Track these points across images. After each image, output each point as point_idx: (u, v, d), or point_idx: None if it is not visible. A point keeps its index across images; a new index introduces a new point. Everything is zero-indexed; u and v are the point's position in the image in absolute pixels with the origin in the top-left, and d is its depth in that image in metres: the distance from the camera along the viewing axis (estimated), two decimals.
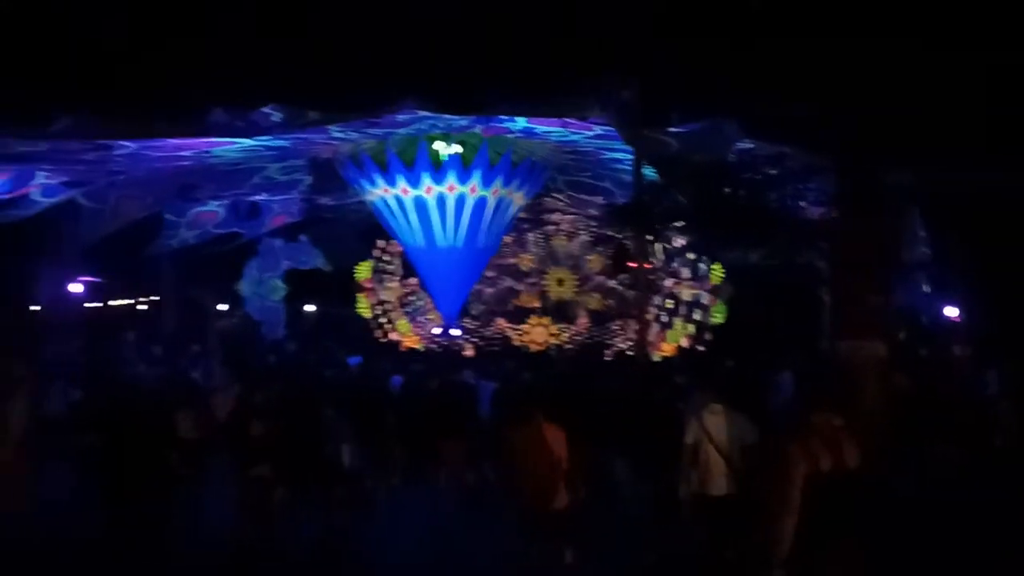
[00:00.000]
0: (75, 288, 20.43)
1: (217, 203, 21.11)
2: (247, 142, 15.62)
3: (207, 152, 16.26)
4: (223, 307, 27.65)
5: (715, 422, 7.26)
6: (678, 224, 13.12)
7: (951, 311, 18.45)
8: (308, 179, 19.85)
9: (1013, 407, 10.47)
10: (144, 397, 10.15)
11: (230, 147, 16.03)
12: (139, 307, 31.77)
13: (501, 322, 24.48)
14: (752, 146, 12.28)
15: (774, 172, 10.91)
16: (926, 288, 17.45)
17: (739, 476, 7.18)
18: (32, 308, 21.28)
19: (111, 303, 30.24)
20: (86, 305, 23.43)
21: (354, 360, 15.54)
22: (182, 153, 16.04)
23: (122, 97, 12.75)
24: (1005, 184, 11.93)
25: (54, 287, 20.39)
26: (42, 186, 16.90)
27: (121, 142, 14.59)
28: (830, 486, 5.16)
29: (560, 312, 24.54)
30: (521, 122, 14.91)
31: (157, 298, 27.78)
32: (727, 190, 10.82)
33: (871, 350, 9.16)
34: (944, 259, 16.08)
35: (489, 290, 24.79)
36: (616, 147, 15.41)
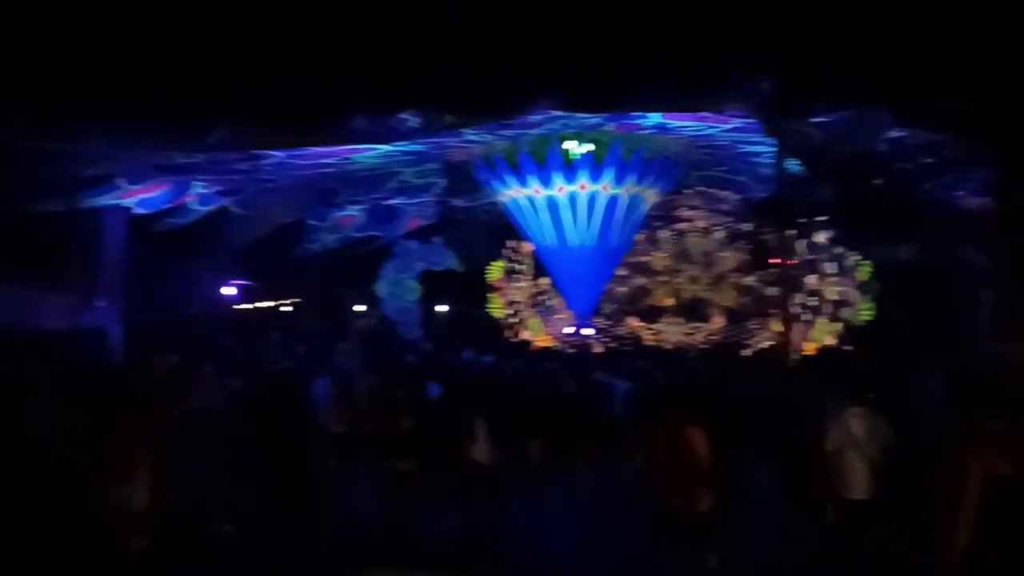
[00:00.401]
0: (228, 291, 21.63)
1: (356, 208, 21.90)
2: (385, 148, 16.10)
3: (348, 159, 16.87)
4: (361, 308, 28.64)
5: (857, 425, 6.96)
6: (822, 218, 12.61)
7: None
8: (442, 182, 20.27)
9: None
10: (292, 391, 10.61)
11: (369, 153, 16.56)
12: (282, 308, 33.32)
13: (633, 321, 24.21)
14: (904, 134, 11.60)
15: (929, 161, 10.29)
16: None
17: (881, 480, 6.88)
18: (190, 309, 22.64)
19: (258, 304, 31.81)
20: (236, 307, 24.76)
21: (486, 360, 15.75)
22: (325, 160, 16.70)
23: (271, 109, 13.38)
24: None
25: (210, 290, 21.69)
26: (199, 196, 18.03)
27: (271, 152, 15.35)
28: (1009, 495, 4.79)
29: (693, 310, 24.03)
30: (655, 118, 14.69)
31: (299, 299, 29.06)
32: (876, 181, 10.29)
33: None
34: None
35: (621, 289, 24.57)
36: (754, 140, 14.95)
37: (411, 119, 13.38)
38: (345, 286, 28.36)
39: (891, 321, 19.64)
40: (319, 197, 20.14)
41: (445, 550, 8.26)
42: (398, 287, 25.35)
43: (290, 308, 32.45)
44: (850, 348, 20.20)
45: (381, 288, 25.37)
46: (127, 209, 17.43)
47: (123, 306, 16.74)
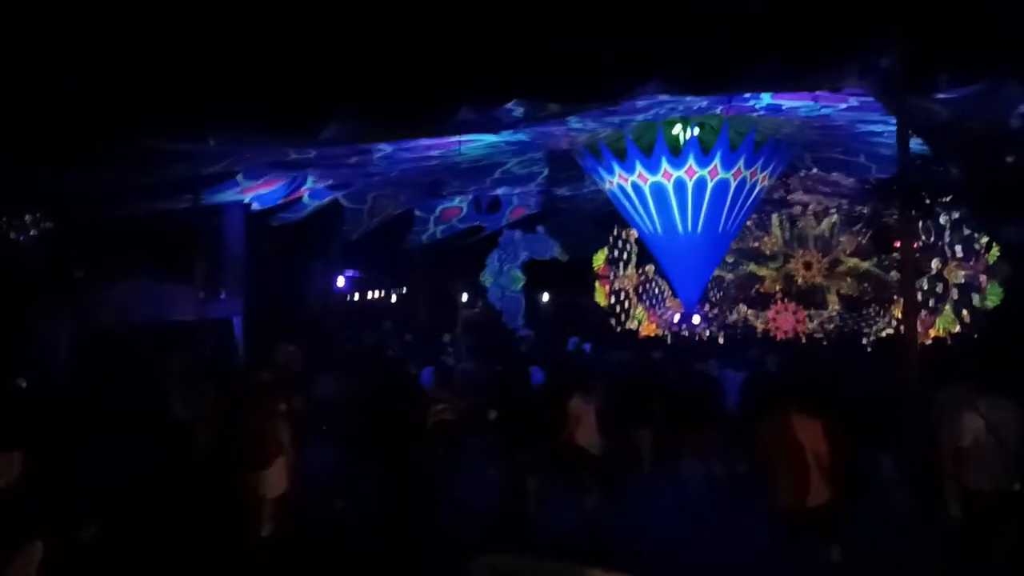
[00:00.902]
0: (339, 282, 22.29)
1: (461, 199, 22.15)
2: (490, 138, 16.18)
3: (453, 150, 17.04)
4: (466, 297, 29.03)
5: (991, 414, 6.65)
6: (947, 199, 11.95)
7: None
8: (546, 171, 20.25)
9: None
10: (405, 382, 10.87)
11: (474, 144, 16.69)
12: (392, 299, 34.11)
13: (744, 308, 23.64)
14: None
15: None
16: None
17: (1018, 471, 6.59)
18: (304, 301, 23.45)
19: (368, 296, 32.66)
20: (348, 298, 25.52)
21: (586, 347, 15.69)
22: (431, 153, 16.93)
23: (378, 102, 13.67)
24: None
25: (322, 282, 22.42)
26: (311, 190, 18.62)
27: (379, 145, 15.67)
28: None
29: (808, 297, 23.27)
30: (766, 99, 14.22)
31: (407, 290, 29.71)
32: (1007, 159, 9.67)
33: None
34: None
35: (730, 276, 24.03)
36: (874, 119, 14.27)
37: (516, 109, 13.38)
38: (452, 276, 28.79)
39: (1018, 306, 18.50)
40: (426, 189, 20.47)
41: (558, 537, 8.32)
42: (503, 277, 25.51)
43: (398, 299, 33.17)
44: (978, 335, 19.15)
45: (486, 278, 25.61)
46: (245, 205, 18.17)
47: (244, 298, 17.49)
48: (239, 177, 16.85)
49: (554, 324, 26.44)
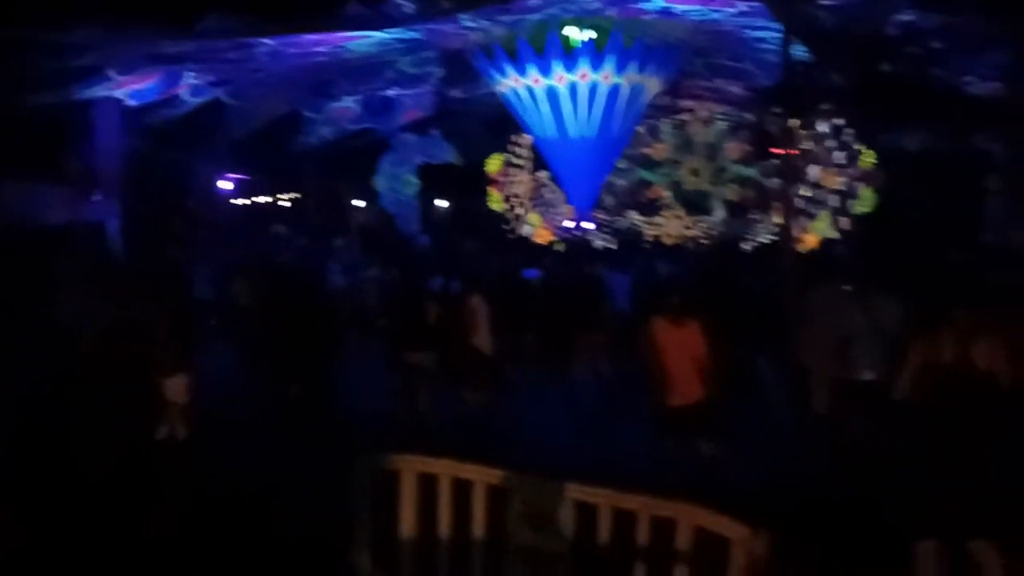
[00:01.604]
0: (224, 185, 21.44)
1: (352, 99, 21.39)
2: (380, 35, 15.61)
3: (342, 47, 16.37)
4: (360, 202, 28.45)
5: (873, 309, 7.09)
6: (827, 107, 12.34)
7: None
8: (439, 71, 19.74)
9: None
10: (300, 283, 10.69)
11: (363, 41, 16.08)
12: (281, 203, 33.12)
13: (633, 215, 24.09)
14: (915, 18, 11.19)
15: (940, 46, 9.96)
16: None
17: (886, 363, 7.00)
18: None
19: (257, 199, 31.60)
20: (233, 202, 24.62)
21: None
22: (318, 49, 16.23)
23: None
24: None
25: (207, 184, 21.48)
26: (190, 86, 17.60)
27: (262, 40, 14.88)
28: (955, 383, 4.94)
29: (695, 203, 23.86)
30: (658, 2, 14.17)
31: (298, 194, 28.86)
32: (885, 67, 10.00)
33: None
34: None
35: (622, 182, 24.33)
36: (760, 25, 14.44)
37: (405, 4, 12.91)
38: (343, 180, 28.05)
39: (896, 212, 19.52)
40: (314, 88, 19.68)
41: (450, 437, 8.47)
42: (396, 181, 25.09)
43: (288, 203, 32.26)
44: (851, 240, 20.15)
45: (379, 182, 25.13)
46: (119, 101, 17.06)
47: (121, 199, 16.63)
48: (111, 71, 15.76)
49: (450, 228, 26.36)
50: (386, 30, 15.10)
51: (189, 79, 17.16)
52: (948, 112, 9.94)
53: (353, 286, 12.09)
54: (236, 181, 22.61)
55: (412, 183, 25.17)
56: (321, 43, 15.74)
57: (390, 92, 21.27)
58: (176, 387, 6.57)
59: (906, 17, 11.16)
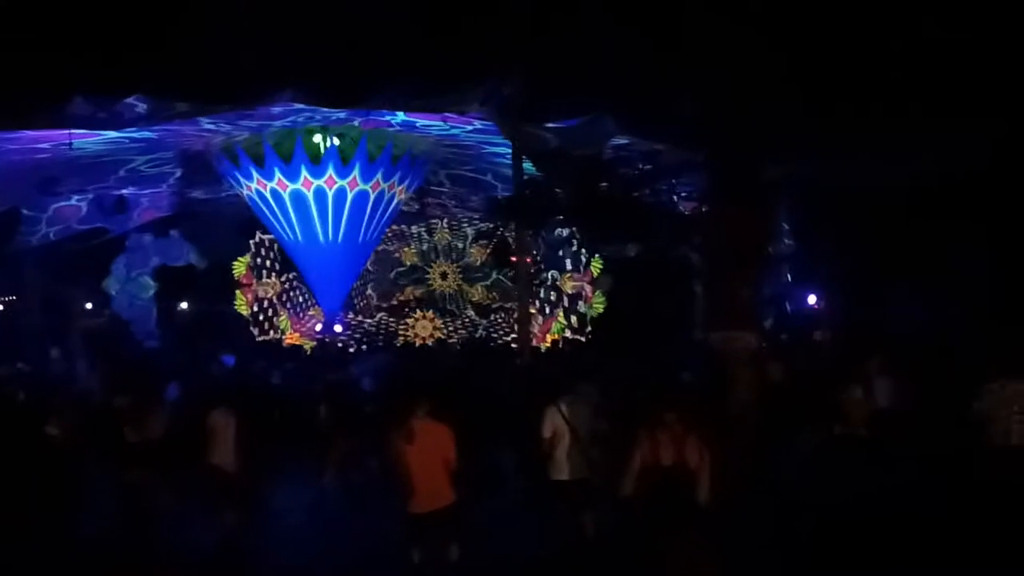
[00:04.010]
0: None
1: (80, 197, 20.00)
2: (111, 134, 14.88)
3: (67, 144, 15.36)
4: (88, 305, 26.29)
5: (574, 411, 7.64)
6: (557, 218, 13.38)
7: (812, 299, 19.57)
8: (178, 172, 19.08)
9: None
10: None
11: (93, 139, 15.22)
12: None
13: (384, 317, 24.27)
14: (628, 142, 12.60)
15: (648, 167, 11.26)
16: (789, 277, 18.40)
17: (593, 462, 7.63)
18: None
19: None
20: None
21: (228, 360, 15.04)
22: (40, 145, 15.12)
23: None
24: (868, 179, 12.75)
25: None
26: None
27: None
28: (670, 480, 5.58)
29: (444, 306, 24.54)
30: (401, 115, 14.78)
31: (14, 297, 26.19)
32: (603, 185, 11.08)
33: (744, 340, 9.58)
34: (806, 250, 16.99)
35: (372, 285, 24.53)
36: (497, 141, 15.51)
37: (139, 104, 12.44)
38: (70, 283, 25.78)
39: (619, 313, 21.31)
40: (36, 185, 18.18)
41: (190, 559, 7.90)
42: (131, 284, 23.54)
43: (4, 308, 29.15)
44: (583, 340, 21.65)
45: (111, 285, 23.43)
46: None
47: None
48: None
49: (192, 334, 24.95)
50: (118, 129, 14.41)
51: None
52: (658, 226, 11.20)
53: (70, 398, 11.00)
54: None
55: (149, 286, 23.73)
56: (43, 139, 14.69)
57: (124, 191, 20.16)
58: None
59: (620, 141, 12.54)
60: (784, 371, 11.76)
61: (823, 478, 9.87)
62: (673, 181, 11.20)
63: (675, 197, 11.87)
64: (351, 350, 20.73)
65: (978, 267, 14.00)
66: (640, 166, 10.98)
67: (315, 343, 22.39)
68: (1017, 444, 8.36)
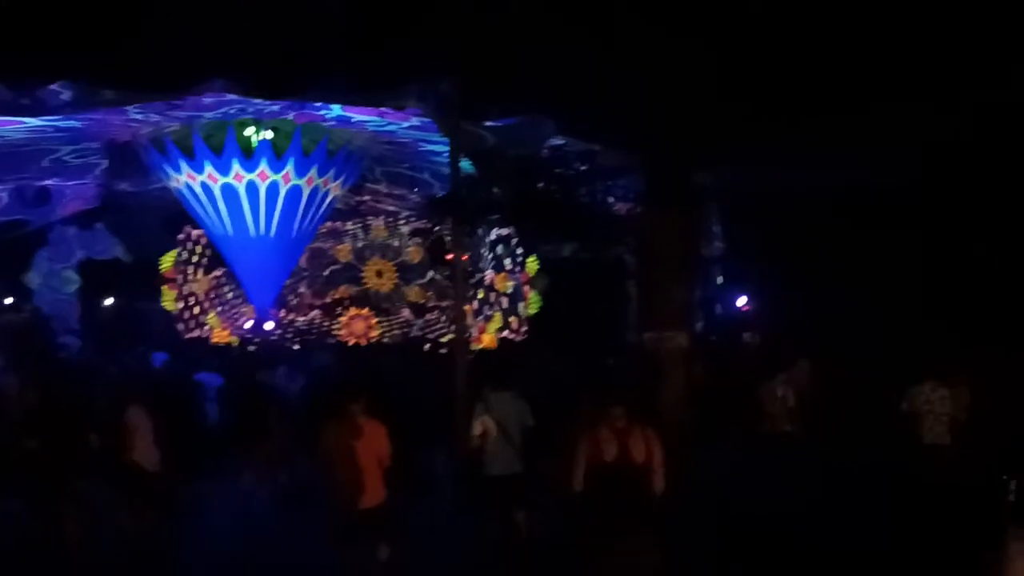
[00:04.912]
0: None
1: None
2: (34, 121, 14.35)
3: None
4: (8, 300, 25.33)
5: (501, 407, 7.67)
6: (494, 217, 13.39)
7: (741, 301, 20.01)
8: (104, 163, 18.49)
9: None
10: None
11: (15, 127, 14.66)
12: None
13: (317, 315, 23.91)
14: (564, 143, 12.68)
15: (584, 168, 11.35)
16: (720, 280, 18.79)
17: (524, 457, 7.66)
18: None
19: None
20: None
21: (159, 357, 14.66)
22: None
23: None
24: (796, 182, 13.08)
25: None
26: None
27: None
28: (615, 476, 5.62)
29: (379, 304, 24.28)
30: (336, 109, 14.61)
31: None
32: (540, 185, 11.12)
33: (675, 341, 9.74)
34: (736, 252, 17.36)
35: (304, 282, 24.15)
36: (434, 139, 15.43)
37: (63, 92, 12.03)
38: None
39: (554, 313, 21.41)
40: None
41: (111, 564, 7.68)
42: (53, 278, 22.75)
43: None
44: (518, 339, 21.69)
45: (33, 279, 22.60)
46: None
47: None
48: None
49: (116, 330, 24.20)
50: (40, 117, 13.90)
51: None
52: (593, 227, 11.30)
53: None
54: None
55: (72, 280, 22.96)
56: None
57: (47, 182, 19.44)
58: None
59: (556, 142, 12.61)
60: (706, 371, 12.03)
61: (749, 475, 10.13)
62: (608, 182, 11.31)
63: (610, 198, 11.99)
64: (283, 348, 20.39)
65: (909, 273, 14.46)
66: (576, 166, 11.05)
67: (244, 341, 21.97)
68: (931, 443, 8.82)
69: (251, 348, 20.10)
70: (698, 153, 10.18)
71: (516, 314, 22.35)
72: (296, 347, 20.96)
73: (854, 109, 10.32)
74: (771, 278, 17.82)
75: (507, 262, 22.40)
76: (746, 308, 20.04)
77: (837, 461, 10.16)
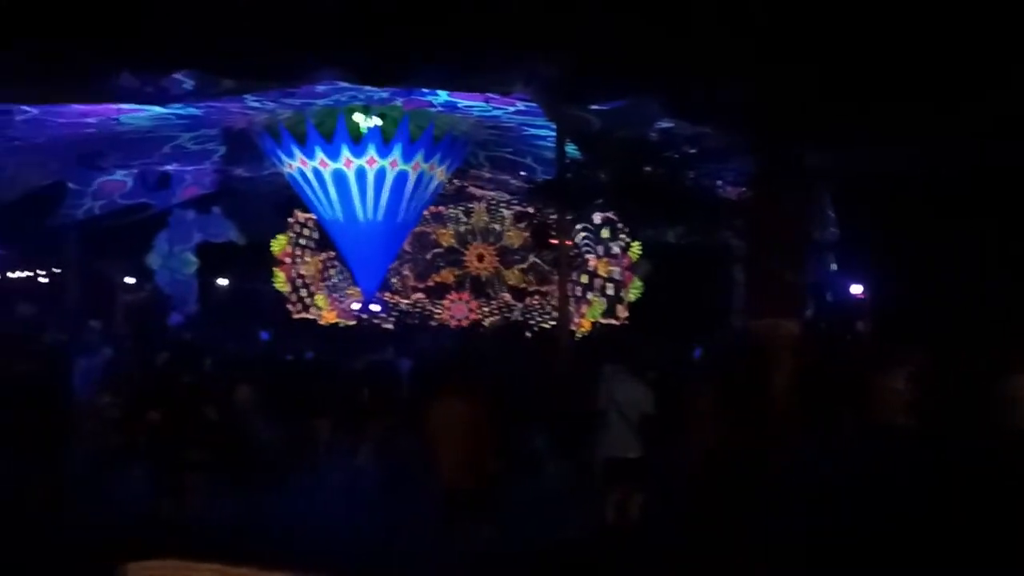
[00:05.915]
0: None
1: (124, 172, 20.24)
2: (157, 109, 15.04)
3: (114, 119, 15.57)
4: (131, 280, 26.76)
5: (623, 390, 7.58)
6: (599, 201, 13.30)
7: (856, 289, 19.25)
8: (222, 149, 19.23)
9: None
10: (51, 370, 9.76)
11: (139, 114, 15.40)
12: (40, 279, 30.44)
13: (420, 298, 24.33)
14: (672, 125, 12.44)
15: (693, 151, 11.12)
16: (833, 267, 18.12)
17: (644, 441, 7.53)
18: None
19: (10, 274, 28.89)
20: None
21: (264, 335, 15.20)
22: (87, 120, 15.33)
23: (24, 59, 11.99)
24: (911, 168, 12.48)
25: None
26: None
27: (22, 107, 13.86)
28: (724, 463, 5.49)
29: (480, 288, 24.52)
30: (443, 96, 14.75)
31: (58, 270, 26.69)
32: (647, 168, 10.97)
33: (786, 328, 9.48)
34: (851, 238, 16.72)
35: (409, 265, 24.59)
36: (538, 123, 15.40)
37: (186, 81, 12.55)
38: (112, 257, 26.26)
39: (659, 299, 21.16)
40: (81, 159, 18.44)
41: (224, 538, 7.97)
42: (173, 259, 23.83)
43: (47, 279, 29.80)
44: (622, 324, 21.53)
45: (154, 260, 23.75)
46: None
47: None
48: None
49: (231, 310, 25.26)
50: (165, 105, 14.55)
51: None
52: (700, 211, 11.08)
53: (110, 374, 11.13)
54: None
55: (190, 261, 24.01)
56: (90, 114, 14.88)
57: (168, 167, 20.37)
58: None
59: (664, 125, 12.39)
60: (816, 359, 11.61)
61: (858, 467, 9.76)
62: (718, 165, 11.07)
63: (718, 182, 11.73)
64: (389, 330, 20.85)
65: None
66: (685, 149, 10.84)
67: (352, 322, 22.58)
68: None
69: (358, 329, 20.64)
70: (811, 135, 9.84)
71: (617, 299, 22.20)
72: (400, 329, 21.39)
73: (969, 95, 9.80)
74: (886, 266, 17.08)
75: (610, 247, 22.25)
76: (861, 296, 19.28)
77: (951, 454, 9.67)
